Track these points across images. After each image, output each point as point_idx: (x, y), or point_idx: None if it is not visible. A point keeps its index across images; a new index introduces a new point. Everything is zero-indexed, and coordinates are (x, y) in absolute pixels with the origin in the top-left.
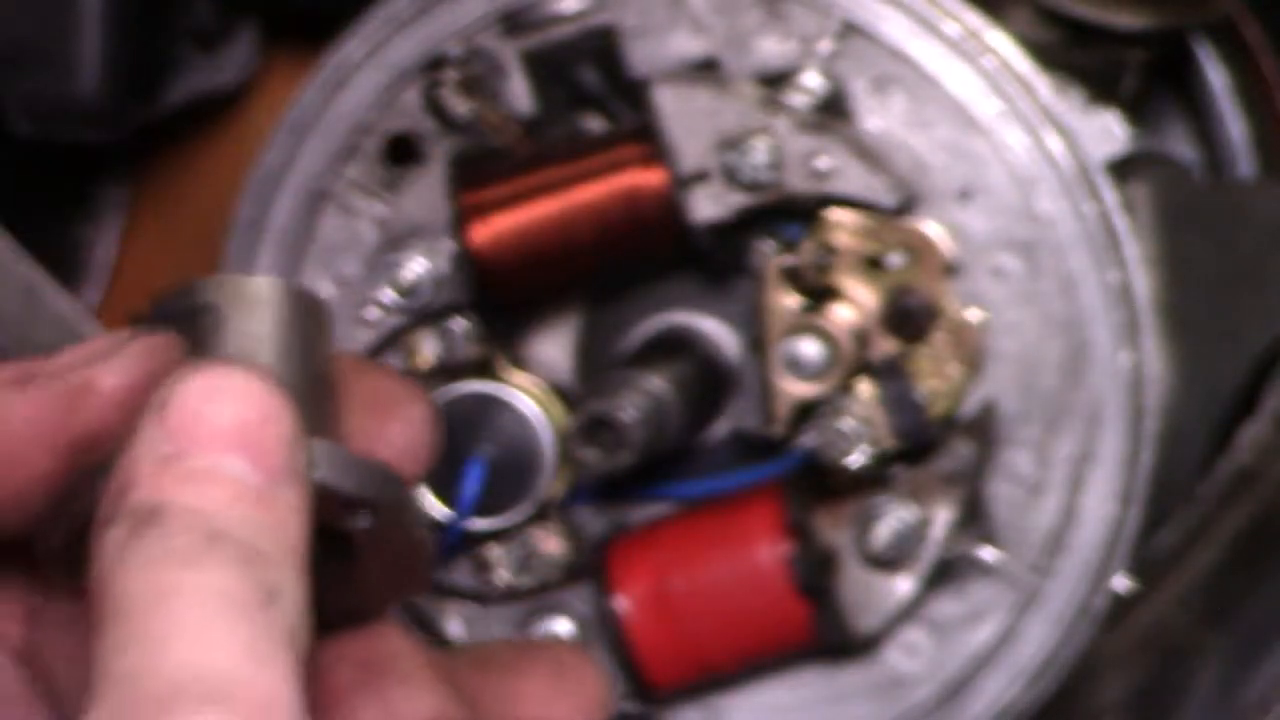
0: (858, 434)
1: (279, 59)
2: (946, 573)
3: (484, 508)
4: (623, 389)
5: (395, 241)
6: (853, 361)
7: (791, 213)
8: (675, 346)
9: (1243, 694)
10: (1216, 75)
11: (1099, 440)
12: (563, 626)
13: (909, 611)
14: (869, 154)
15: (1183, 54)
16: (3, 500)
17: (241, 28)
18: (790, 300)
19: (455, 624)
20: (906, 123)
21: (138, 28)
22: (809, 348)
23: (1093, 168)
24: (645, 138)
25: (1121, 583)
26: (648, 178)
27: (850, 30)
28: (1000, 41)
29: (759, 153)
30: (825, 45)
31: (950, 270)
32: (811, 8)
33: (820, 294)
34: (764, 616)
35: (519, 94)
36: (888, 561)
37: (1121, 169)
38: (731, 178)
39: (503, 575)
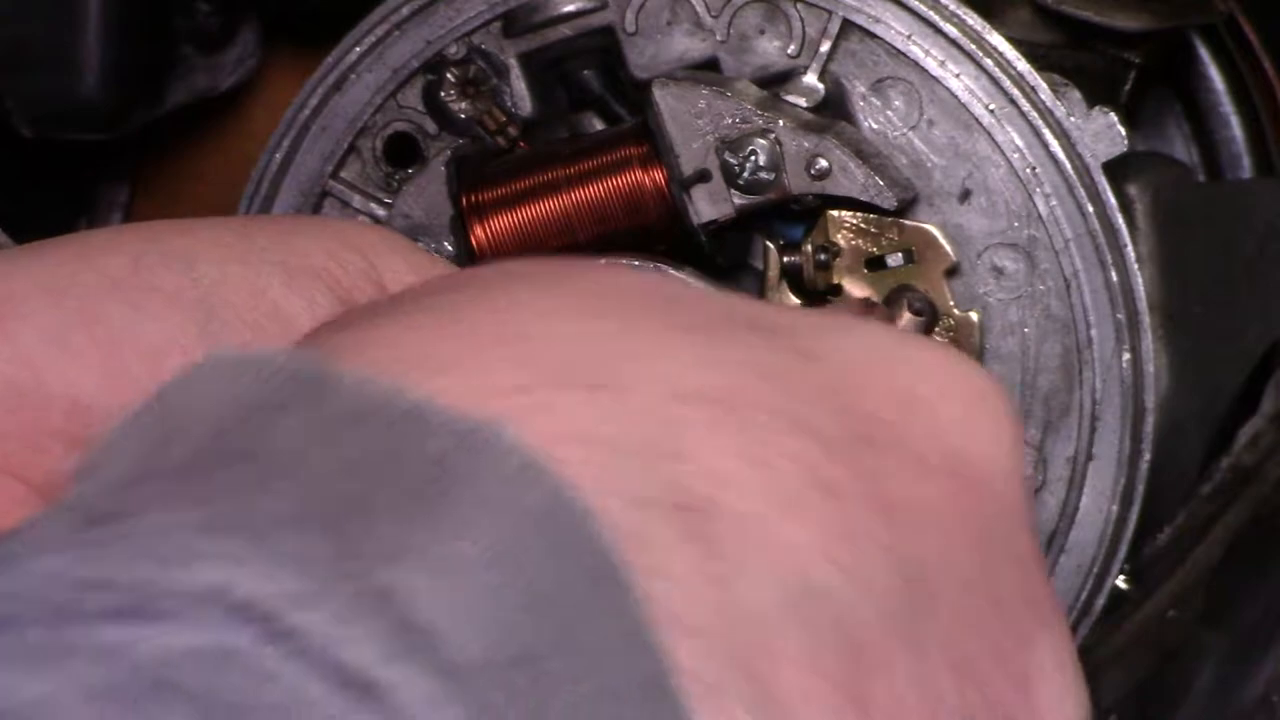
0: None
1: (279, 59)
2: None
3: None
4: None
5: None
6: None
7: (791, 213)
8: None
9: (1241, 692)
10: (1216, 75)
11: (1098, 440)
12: None
13: None
14: (869, 154)
15: (1183, 54)
16: None
17: (241, 28)
18: (790, 300)
19: None
20: (906, 123)
21: (139, 29)
22: None
23: (1093, 168)
24: (645, 138)
25: (1121, 582)
26: (648, 178)
27: (850, 30)
28: (1000, 42)
29: (759, 153)
30: (825, 45)
31: (950, 270)
32: (811, 8)
33: (820, 294)
34: None
35: (519, 94)
36: None
37: (1120, 169)
38: (731, 178)
39: None
